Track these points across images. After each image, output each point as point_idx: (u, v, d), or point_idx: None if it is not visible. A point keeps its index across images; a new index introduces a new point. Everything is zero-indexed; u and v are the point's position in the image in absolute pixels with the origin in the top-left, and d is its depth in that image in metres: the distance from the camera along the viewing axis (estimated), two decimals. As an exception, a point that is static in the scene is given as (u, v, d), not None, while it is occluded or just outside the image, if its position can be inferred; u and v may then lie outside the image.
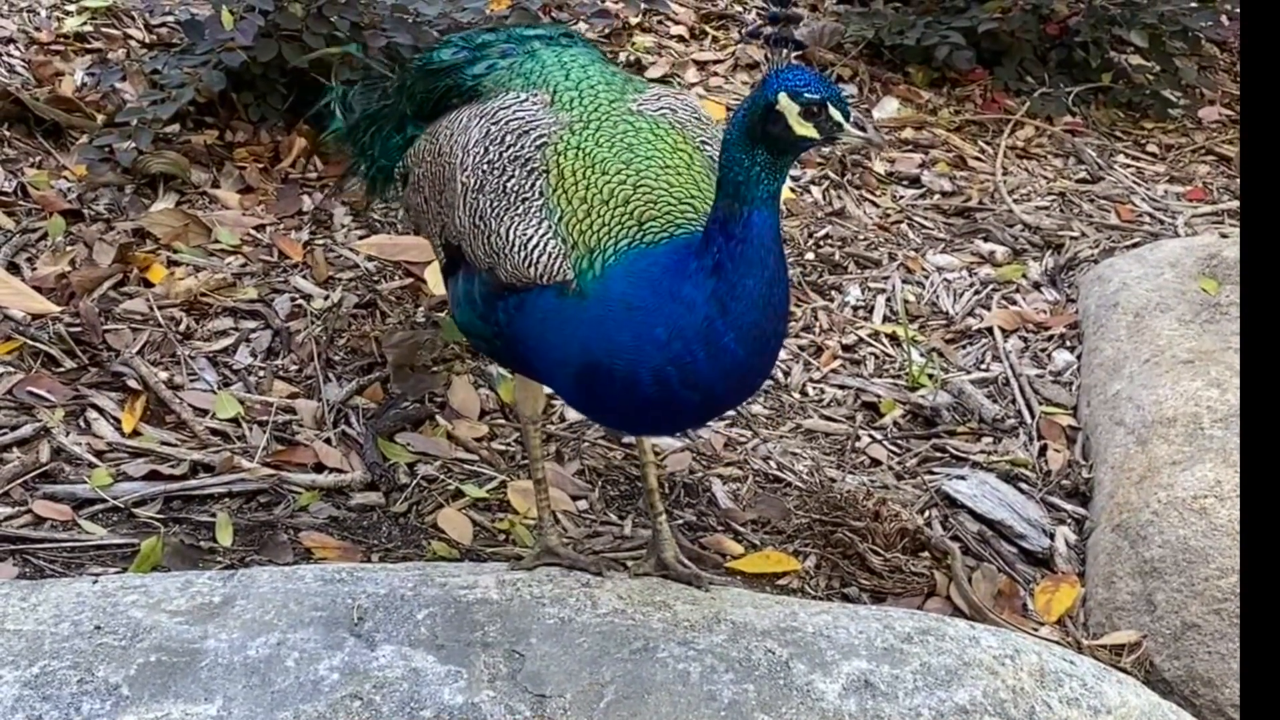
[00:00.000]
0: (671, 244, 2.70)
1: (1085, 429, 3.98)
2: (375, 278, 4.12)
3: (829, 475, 3.70)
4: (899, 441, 3.90)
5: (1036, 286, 4.59)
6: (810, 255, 4.57)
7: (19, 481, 3.33)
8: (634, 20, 5.49)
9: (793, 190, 4.80)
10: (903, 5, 5.63)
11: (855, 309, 4.39)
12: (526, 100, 2.99)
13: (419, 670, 2.59)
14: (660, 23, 5.59)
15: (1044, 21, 5.56)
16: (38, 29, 4.86)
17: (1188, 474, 3.50)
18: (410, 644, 2.65)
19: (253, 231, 4.21)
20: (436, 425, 3.66)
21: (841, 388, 4.06)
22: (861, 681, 2.68)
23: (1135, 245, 4.72)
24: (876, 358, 4.19)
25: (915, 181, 5.04)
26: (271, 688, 2.53)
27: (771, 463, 3.74)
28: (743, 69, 5.41)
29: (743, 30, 5.54)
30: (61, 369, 3.64)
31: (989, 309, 4.46)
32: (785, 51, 2.71)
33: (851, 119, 2.60)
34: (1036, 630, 3.35)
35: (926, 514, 3.64)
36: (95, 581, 2.78)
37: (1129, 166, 5.30)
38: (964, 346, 4.30)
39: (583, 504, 3.54)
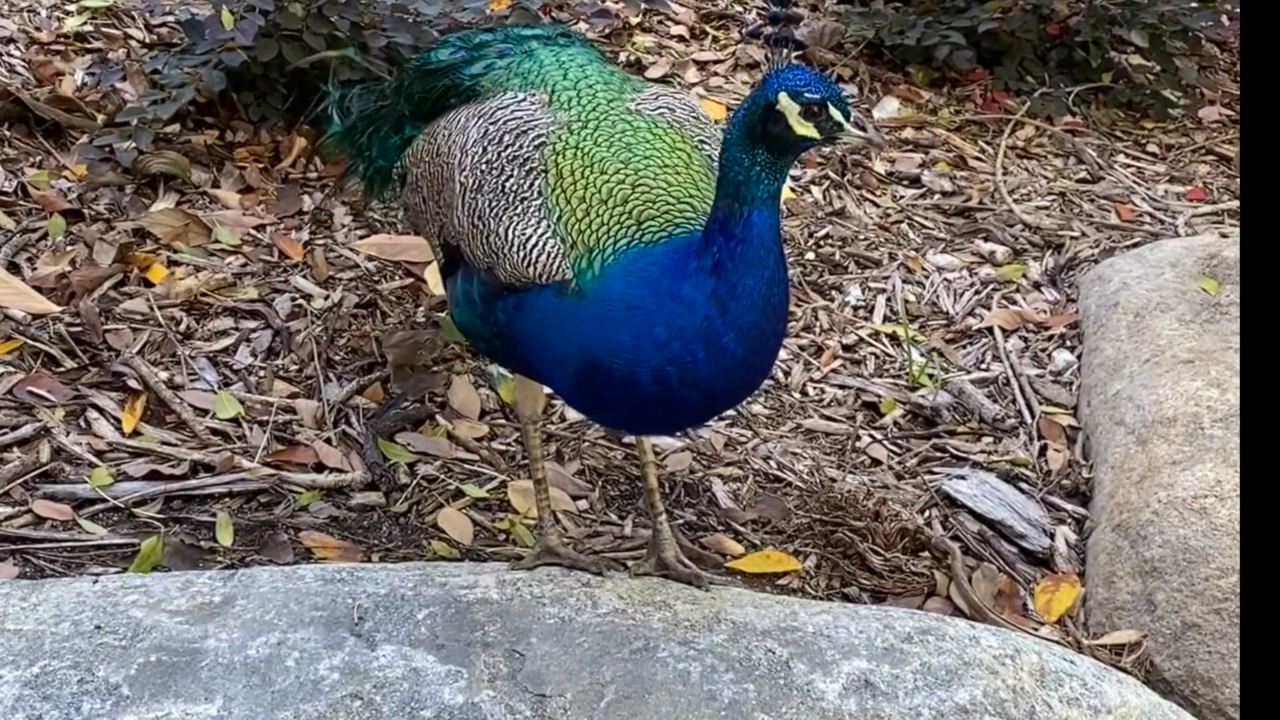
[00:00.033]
0: (670, 243, 2.70)
1: (1085, 429, 3.98)
2: (375, 278, 4.13)
3: (829, 475, 3.70)
4: (899, 441, 3.90)
5: (1037, 286, 4.59)
6: (810, 255, 4.57)
7: (19, 481, 3.33)
8: (634, 20, 5.50)
9: (793, 190, 4.80)
10: (903, 5, 5.63)
11: (855, 309, 4.39)
12: (524, 100, 2.99)
13: (419, 670, 2.59)
14: (660, 23, 5.59)
15: (1044, 21, 5.56)
16: (38, 29, 4.86)
17: (1188, 474, 3.50)
18: (410, 644, 2.65)
19: (253, 231, 4.21)
20: (437, 425, 3.66)
21: (842, 387, 4.06)
22: (862, 681, 2.68)
23: (1135, 245, 4.72)
24: (877, 357, 4.19)
25: (915, 181, 5.04)
26: (272, 687, 2.53)
27: (772, 462, 3.74)
28: (743, 69, 5.41)
29: (743, 30, 5.54)
30: (62, 369, 3.65)
31: (989, 309, 4.46)
32: (785, 51, 2.71)
33: (852, 119, 2.60)
34: (1037, 630, 3.35)
35: (927, 514, 3.64)
36: (95, 581, 2.78)
37: (1129, 166, 5.30)
38: (964, 346, 4.30)
39: (583, 504, 3.54)
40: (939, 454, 3.88)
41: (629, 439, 3.65)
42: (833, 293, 4.43)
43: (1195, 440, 3.60)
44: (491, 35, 3.42)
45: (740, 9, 5.75)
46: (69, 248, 4.00)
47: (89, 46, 4.84)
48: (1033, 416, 4.03)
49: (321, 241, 4.23)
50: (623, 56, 5.29)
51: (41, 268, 3.93)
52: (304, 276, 4.08)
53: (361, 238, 4.25)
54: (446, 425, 3.66)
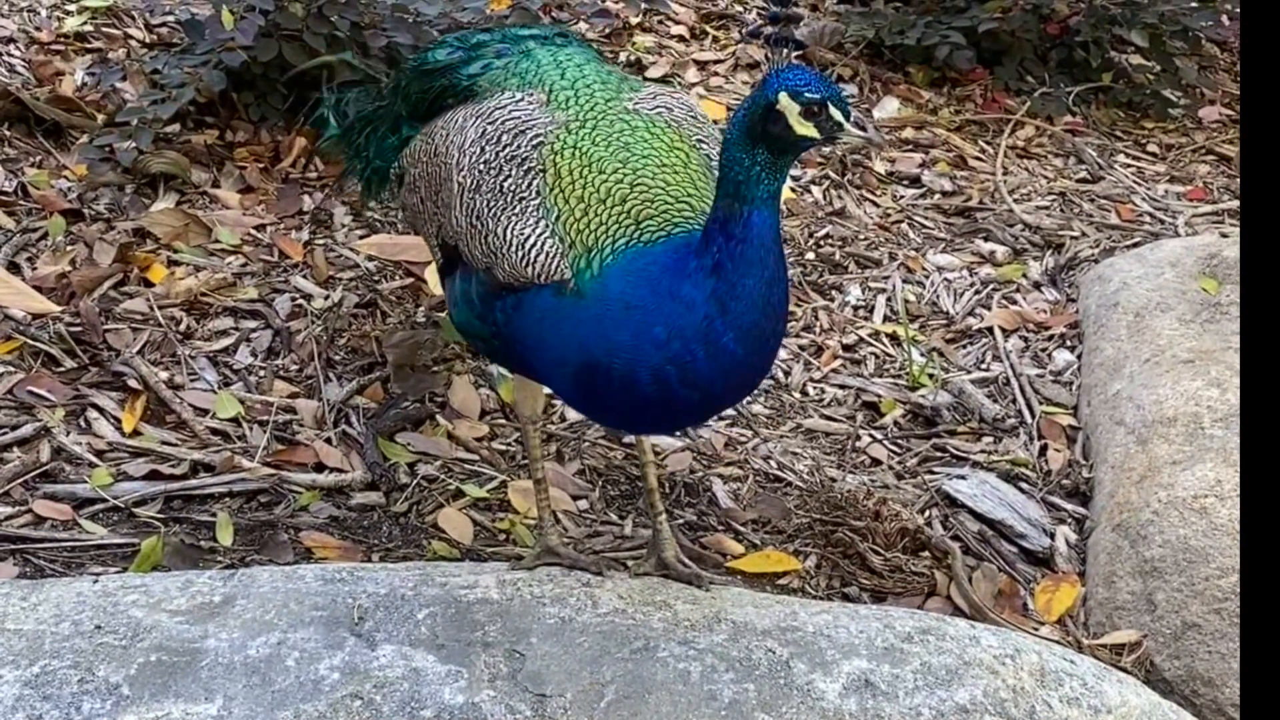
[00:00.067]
0: (669, 243, 2.70)
1: (1085, 429, 3.98)
2: (375, 277, 4.13)
3: (829, 475, 3.70)
4: (899, 441, 3.90)
5: (1037, 286, 4.59)
6: (810, 255, 4.57)
7: (19, 481, 3.33)
8: (634, 20, 5.50)
9: (793, 190, 4.80)
10: (903, 5, 5.63)
11: (855, 309, 4.39)
12: (522, 100, 2.99)
13: (419, 670, 2.59)
14: (660, 23, 5.59)
15: (1044, 21, 5.56)
16: (38, 29, 4.86)
17: (1188, 473, 3.50)
18: (411, 644, 2.65)
19: (253, 231, 4.21)
20: (437, 425, 3.66)
21: (842, 387, 4.06)
22: (862, 681, 2.68)
23: (1135, 245, 4.72)
24: (877, 357, 4.19)
25: (915, 181, 5.04)
26: (272, 687, 2.53)
27: (772, 462, 3.74)
28: (743, 69, 5.41)
29: (743, 30, 5.54)
30: (62, 369, 3.65)
31: (989, 309, 4.46)
32: (786, 51, 2.71)
33: (852, 118, 2.60)
34: (1037, 630, 3.35)
35: (927, 514, 3.64)
36: (95, 581, 2.78)
37: (1129, 166, 5.30)
38: (964, 346, 4.30)
39: (583, 504, 3.54)
40: (939, 454, 3.88)
41: (629, 439, 3.65)
42: (833, 292, 4.43)
43: (1195, 440, 3.60)
44: (489, 35, 3.42)
45: (740, 9, 5.75)
46: (69, 248, 4.00)
47: (89, 46, 4.84)
48: (1033, 416, 4.03)
49: (321, 241, 4.23)
50: (623, 56, 5.29)
51: (41, 267, 3.94)
52: (304, 276, 4.08)
53: (361, 238, 4.25)
54: (447, 425, 3.66)
